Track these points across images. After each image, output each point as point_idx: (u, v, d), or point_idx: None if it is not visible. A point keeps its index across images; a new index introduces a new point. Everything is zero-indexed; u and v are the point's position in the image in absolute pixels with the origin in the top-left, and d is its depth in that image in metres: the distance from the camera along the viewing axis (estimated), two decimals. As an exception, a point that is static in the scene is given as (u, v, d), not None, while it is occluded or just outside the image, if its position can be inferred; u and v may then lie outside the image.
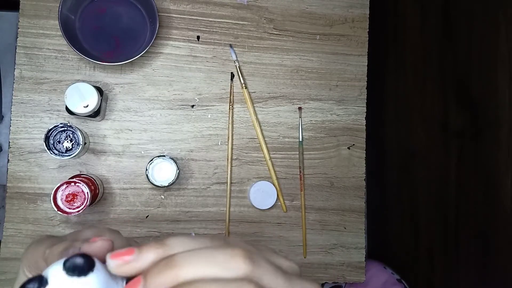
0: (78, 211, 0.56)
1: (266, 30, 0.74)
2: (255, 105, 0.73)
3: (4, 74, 0.87)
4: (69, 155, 0.61)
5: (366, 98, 0.78)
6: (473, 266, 0.76)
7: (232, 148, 0.72)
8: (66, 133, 0.61)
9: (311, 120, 0.76)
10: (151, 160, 0.65)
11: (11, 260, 0.64)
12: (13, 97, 0.66)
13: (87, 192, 0.57)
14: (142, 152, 0.69)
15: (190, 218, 0.70)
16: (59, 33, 0.62)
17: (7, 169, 0.65)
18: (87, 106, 0.59)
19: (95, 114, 0.62)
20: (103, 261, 0.22)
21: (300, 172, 0.74)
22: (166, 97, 0.70)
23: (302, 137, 0.75)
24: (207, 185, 0.71)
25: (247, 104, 0.73)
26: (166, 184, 0.65)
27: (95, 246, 0.23)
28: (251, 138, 0.73)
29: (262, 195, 0.71)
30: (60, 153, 0.61)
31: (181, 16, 0.72)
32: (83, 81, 0.62)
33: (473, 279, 0.76)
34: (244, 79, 0.73)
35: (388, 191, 1.09)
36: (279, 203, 0.74)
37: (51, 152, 0.60)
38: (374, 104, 0.84)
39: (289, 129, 0.75)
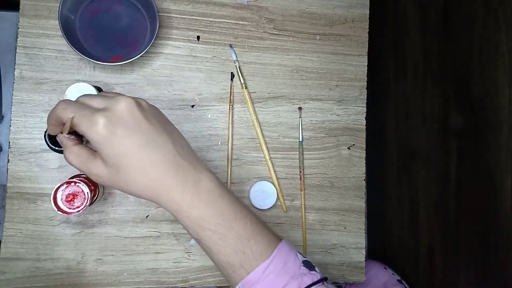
0: (78, 211, 0.56)
1: (266, 30, 0.74)
2: (255, 105, 0.73)
3: (4, 74, 0.87)
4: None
5: (366, 98, 0.78)
6: (473, 266, 0.76)
7: (232, 148, 0.72)
8: None
9: (311, 120, 0.76)
10: (151, 160, 0.65)
11: (11, 260, 0.64)
12: (13, 97, 0.66)
13: (87, 192, 0.57)
14: (142, 152, 0.69)
15: (190, 218, 0.70)
16: (59, 33, 0.62)
17: (7, 169, 0.65)
18: (87, 106, 0.59)
19: (95, 114, 0.62)
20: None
21: (300, 172, 0.74)
22: (166, 97, 0.70)
23: (302, 137, 0.75)
24: (207, 185, 0.71)
25: (247, 104, 0.73)
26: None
27: None
28: (251, 138, 0.73)
29: (262, 195, 0.71)
30: (59, 149, 0.60)
31: (181, 16, 0.72)
32: (83, 81, 0.62)
33: (473, 279, 0.76)
34: (244, 79, 0.73)
35: (388, 191, 1.08)
36: (279, 203, 0.74)
37: (50, 147, 0.60)
38: (374, 104, 0.84)
39: (289, 129, 0.75)
